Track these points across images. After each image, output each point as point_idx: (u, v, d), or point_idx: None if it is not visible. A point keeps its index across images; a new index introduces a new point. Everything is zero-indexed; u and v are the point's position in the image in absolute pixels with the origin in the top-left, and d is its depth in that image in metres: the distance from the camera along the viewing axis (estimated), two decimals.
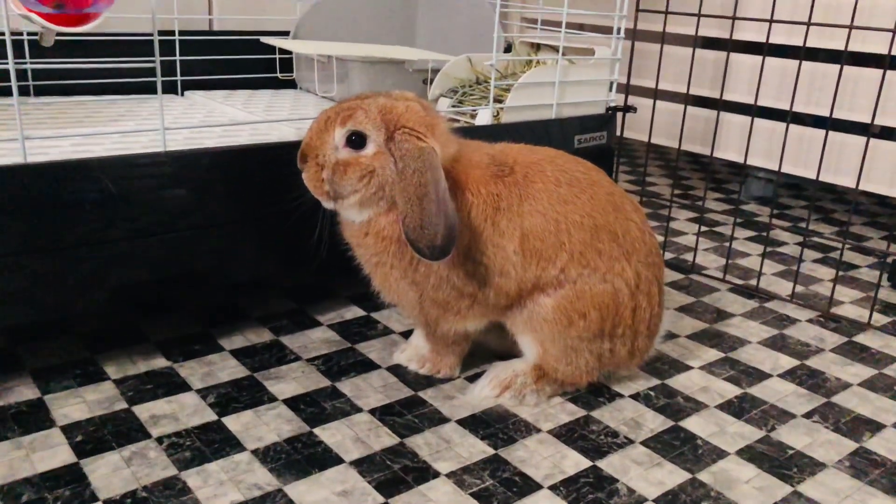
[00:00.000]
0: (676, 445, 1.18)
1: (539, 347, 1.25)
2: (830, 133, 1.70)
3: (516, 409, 1.26)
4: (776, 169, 1.88)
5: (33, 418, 1.15)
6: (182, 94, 1.92)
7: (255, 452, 1.10)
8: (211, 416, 1.19)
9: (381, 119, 1.14)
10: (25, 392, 1.22)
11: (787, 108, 1.75)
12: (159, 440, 1.12)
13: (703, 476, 1.11)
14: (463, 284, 1.20)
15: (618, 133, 1.92)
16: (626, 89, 1.97)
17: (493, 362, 1.34)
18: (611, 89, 1.89)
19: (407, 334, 1.47)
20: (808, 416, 1.29)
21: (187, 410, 1.20)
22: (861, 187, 1.70)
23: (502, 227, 1.18)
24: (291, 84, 2.11)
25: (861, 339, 1.59)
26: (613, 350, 1.25)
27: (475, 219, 1.17)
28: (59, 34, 1.37)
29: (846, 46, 1.63)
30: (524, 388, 1.27)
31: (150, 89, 1.70)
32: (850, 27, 1.58)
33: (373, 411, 1.22)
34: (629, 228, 1.25)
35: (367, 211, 1.18)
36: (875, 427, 1.27)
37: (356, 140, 1.14)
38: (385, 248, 1.19)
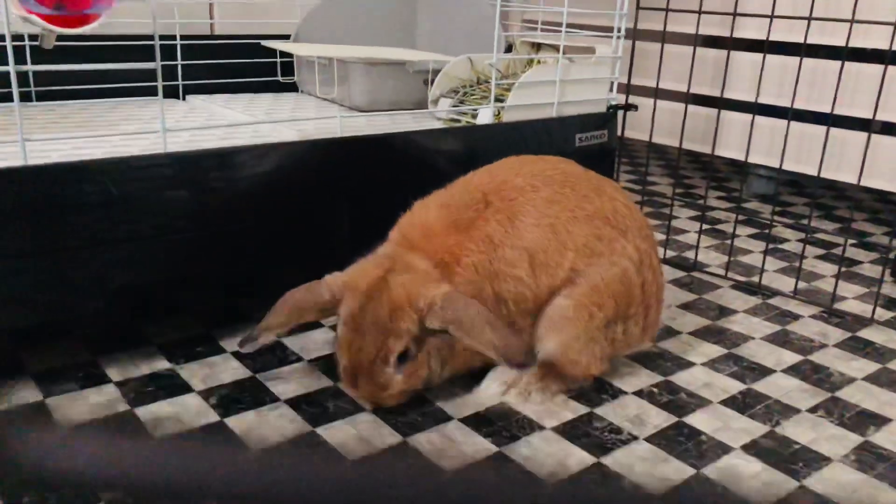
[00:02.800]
0: (681, 441, 1.18)
1: (560, 346, 1.25)
2: (831, 130, 1.70)
3: (520, 406, 1.25)
4: (777, 166, 1.88)
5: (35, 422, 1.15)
6: (184, 99, 1.93)
7: None
8: (214, 417, 1.18)
9: (400, 323, 1.13)
10: (27, 395, 1.22)
11: (787, 105, 1.75)
12: None
13: (709, 471, 1.11)
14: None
15: (619, 132, 1.92)
16: (627, 88, 1.97)
17: None
18: (611, 88, 1.89)
19: None
20: (812, 410, 1.28)
21: (190, 412, 1.19)
22: (862, 183, 1.70)
23: (509, 257, 1.20)
24: (293, 87, 2.11)
25: (865, 334, 1.59)
26: (627, 331, 1.28)
27: (483, 270, 1.20)
28: (59, 37, 1.37)
29: (847, 42, 1.62)
30: (529, 386, 1.27)
31: (151, 93, 1.72)
32: (852, 21, 1.58)
33: (375, 410, 1.22)
34: (616, 208, 1.28)
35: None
36: (880, 421, 1.26)
37: (404, 356, 1.16)
38: (472, 355, 1.23)
